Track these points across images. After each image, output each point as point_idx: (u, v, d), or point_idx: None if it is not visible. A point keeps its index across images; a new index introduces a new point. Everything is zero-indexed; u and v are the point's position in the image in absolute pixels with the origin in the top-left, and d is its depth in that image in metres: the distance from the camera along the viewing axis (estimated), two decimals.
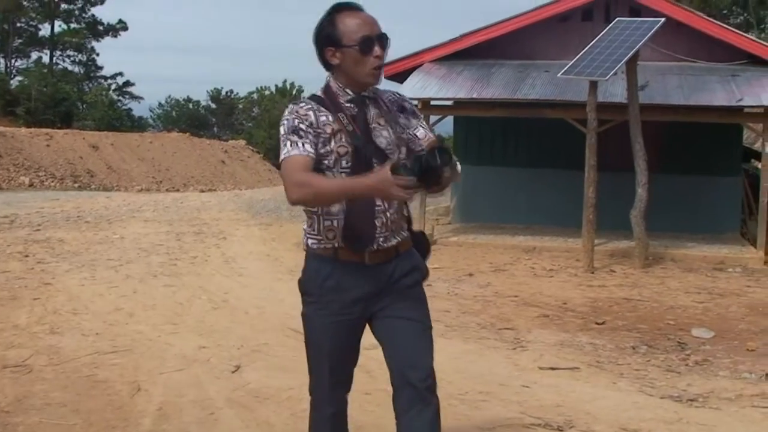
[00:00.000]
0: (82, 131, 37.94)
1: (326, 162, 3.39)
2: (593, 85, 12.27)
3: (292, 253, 12.71)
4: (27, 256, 11.75)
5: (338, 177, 3.37)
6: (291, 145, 3.35)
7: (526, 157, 16.13)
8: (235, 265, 11.70)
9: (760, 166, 14.46)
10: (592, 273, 12.02)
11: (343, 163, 3.39)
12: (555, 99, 13.52)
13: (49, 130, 34.85)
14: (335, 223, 3.45)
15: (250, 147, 48.95)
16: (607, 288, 10.98)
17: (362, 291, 3.48)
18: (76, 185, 29.74)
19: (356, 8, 3.48)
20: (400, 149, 3.53)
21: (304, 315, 3.65)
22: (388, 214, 3.46)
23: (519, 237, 14.65)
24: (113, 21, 59.72)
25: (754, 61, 14.80)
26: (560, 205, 15.22)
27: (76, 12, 58.77)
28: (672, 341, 8.12)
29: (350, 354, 3.64)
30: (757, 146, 18.47)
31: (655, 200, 13.03)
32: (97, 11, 59.39)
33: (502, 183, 16.05)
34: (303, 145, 3.34)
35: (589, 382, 6.64)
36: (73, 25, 58.68)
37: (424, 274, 3.64)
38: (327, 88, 3.53)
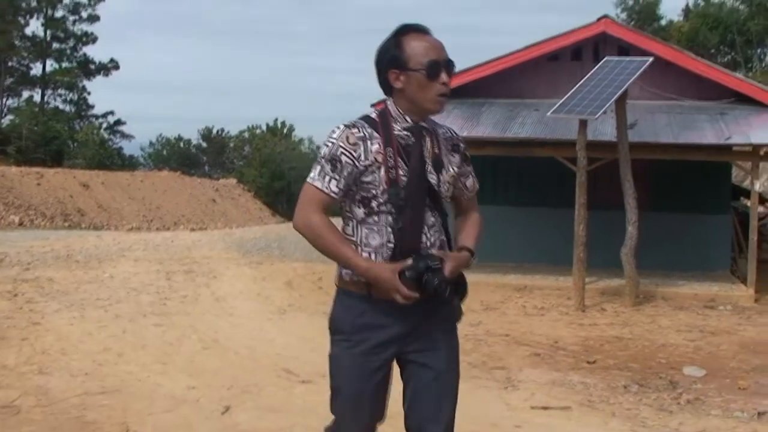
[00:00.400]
0: (72, 170, 37.94)
1: (373, 191, 3.25)
2: (583, 123, 12.34)
3: (282, 293, 12.69)
4: (16, 295, 11.67)
5: (383, 211, 3.24)
6: (320, 174, 3.24)
7: (517, 195, 16.17)
8: (226, 305, 11.65)
9: (749, 203, 14.50)
10: (583, 311, 12.01)
11: (391, 193, 3.24)
12: (545, 138, 13.58)
13: (39, 169, 34.83)
14: (374, 256, 3.26)
15: (241, 185, 48.99)
16: (598, 326, 10.97)
17: (396, 331, 3.29)
18: (67, 224, 29.65)
19: (424, 31, 3.33)
20: (449, 189, 3.41)
21: (332, 356, 3.40)
22: (434, 249, 3.31)
23: (510, 275, 14.64)
24: (105, 60, 60.00)
25: (742, 99, 14.92)
26: (551, 243, 15.24)
27: (68, 51, 58.99)
28: (663, 380, 8.09)
29: (379, 400, 3.38)
30: (746, 184, 18.57)
31: (645, 238, 13.05)
32: (88, 50, 59.67)
33: (492, 221, 15.96)
34: (330, 181, 3.23)
35: (581, 421, 6.61)
36: (64, 64, 58.87)
37: (458, 316, 3.45)
38: (384, 113, 3.35)
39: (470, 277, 3.39)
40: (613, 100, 12.17)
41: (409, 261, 3.17)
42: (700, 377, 8.22)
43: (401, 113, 3.32)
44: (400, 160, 3.26)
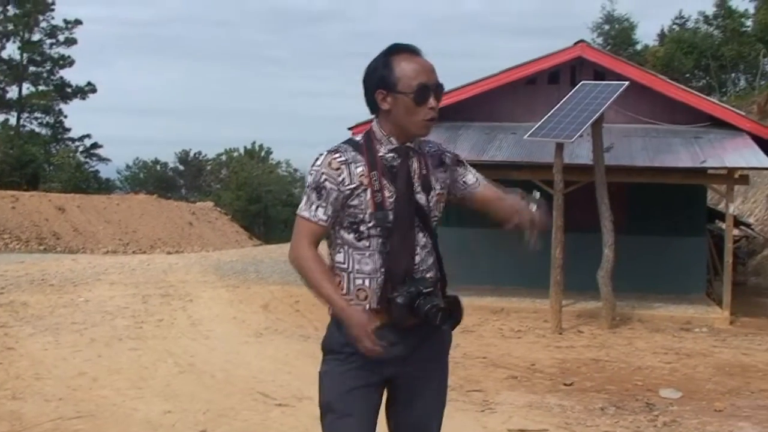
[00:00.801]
0: (48, 193, 37.73)
1: (360, 216, 3.18)
2: (559, 147, 12.39)
3: (258, 316, 12.64)
4: None
5: (372, 235, 3.18)
6: (306, 204, 3.20)
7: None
8: (202, 328, 11.59)
9: (724, 226, 14.60)
10: (560, 334, 12.03)
11: (378, 217, 3.18)
12: (522, 161, 13.64)
13: (15, 192, 34.62)
14: (367, 282, 3.20)
15: (218, 208, 48.88)
16: (575, 349, 10.98)
17: (392, 354, 3.19)
18: (42, 248, 29.47)
19: (415, 52, 3.24)
20: (439, 208, 3.34)
21: (322, 373, 3.32)
22: (425, 270, 3.27)
23: (487, 298, 14.64)
24: (82, 83, 59.82)
25: (716, 123, 15.05)
26: (528, 265, 15.15)
27: (45, 74, 58.80)
28: (640, 402, 8.11)
29: (369, 420, 3.29)
30: (720, 207, 18.68)
31: (622, 260, 13.10)
32: (65, 73, 59.52)
33: (469, 244, 16.07)
34: (317, 209, 3.18)
35: None
36: (41, 87, 58.66)
37: (450, 342, 3.47)
38: (369, 134, 3.28)
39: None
40: (589, 123, 12.24)
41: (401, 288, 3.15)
42: (676, 399, 8.23)
43: (386, 135, 3.25)
44: (386, 182, 3.19)
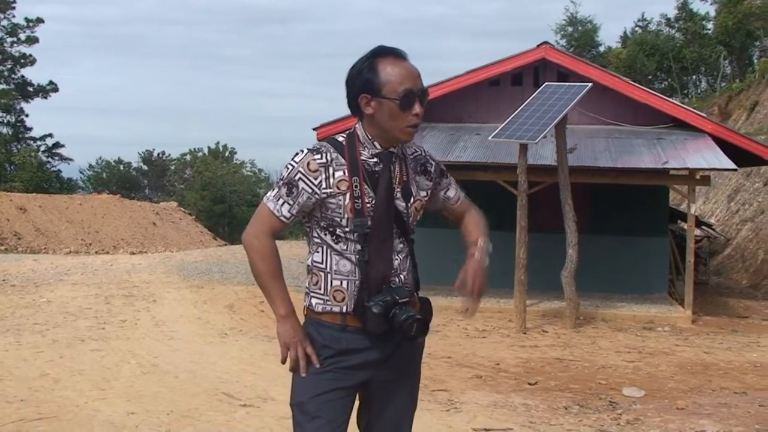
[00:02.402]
0: (9, 193, 37.31)
1: (337, 219, 3.13)
2: (523, 148, 12.46)
3: (223, 316, 12.58)
4: None
5: (350, 239, 3.14)
6: (275, 197, 3.14)
7: None
8: (166, 329, 11.51)
9: (686, 226, 14.74)
10: (525, 333, 12.09)
11: (356, 223, 3.12)
12: (486, 161, 13.69)
13: None
14: (345, 284, 3.16)
15: (182, 209, 48.62)
16: (540, 348, 11.04)
17: (368, 357, 3.18)
18: (3, 248, 29.14)
19: (401, 56, 3.15)
20: (418, 215, 3.32)
21: (295, 374, 3.25)
22: (402, 277, 3.23)
23: (452, 298, 14.66)
24: (44, 82, 59.23)
25: (678, 125, 15.20)
26: (492, 266, 15.11)
27: (5, 73, 58.14)
28: (604, 401, 8.17)
29: (341, 422, 3.23)
30: (682, 207, 18.88)
31: (585, 261, 13.19)
32: (27, 72, 58.90)
33: (434, 245, 16.09)
34: (282, 205, 3.12)
35: None
36: (2, 86, 57.98)
37: (423, 347, 3.46)
38: (352, 137, 3.21)
39: None
40: (553, 124, 12.31)
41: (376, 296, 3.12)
42: (639, 398, 8.30)
43: (370, 139, 3.18)
44: (366, 188, 3.13)
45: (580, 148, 14.03)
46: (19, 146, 57.58)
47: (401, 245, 3.24)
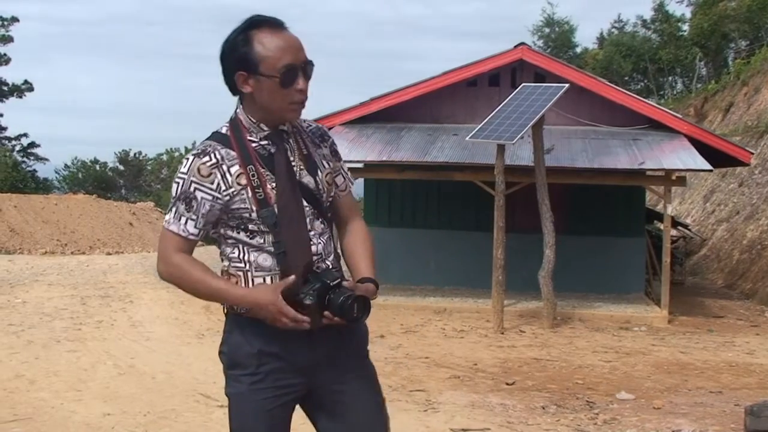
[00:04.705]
0: None
1: (246, 215, 2.81)
2: (501, 148, 12.48)
3: (200, 317, 12.54)
4: None
5: (264, 231, 2.82)
6: (174, 216, 2.83)
7: (436, 219, 16.28)
8: (142, 329, 11.46)
9: (662, 227, 14.83)
10: (502, 333, 12.11)
11: (263, 215, 2.80)
12: (463, 162, 13.71)
13: None
14: (269, 279, 2.84)
15: (159, 209, 48.32)
16: (517, 348, 11.07)
17: (309, 358, 2.87)
18: None
19: (279, 26, 2.81)
20: (330, 190, 2.99)
21: (231, 395, 2.93)
22: (328, 262, 2.92)
23: (429, 298, 14.70)
24: (19, 81, 58.74)
25: (654, 125, 15.27)
26: (470, 266, 15.36)
27: None
28: (581, 400, 8.20)
29: None
30: (659, 208, 18.98)
31: (563, 261, 13.25)
32: (1, 71, 58.38)
33: (412, 245, 16.13)
34: (186, 222, 2.82)
35: None
36: None
37: (367, 340, 3.07)
38: (235, 123, 2.89)
39: (390, 300, 3.30)
40: (530, 125, 12.34)
41: (305, 284, 2.80)
42: (621, 399, 8.33)
43: (254, 122, 2.86)
44: (266, 174, 2.83)
45: (557, 149, 14.08)
46: None
47: (321, 226, 2.94)
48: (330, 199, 3.02)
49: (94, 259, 22.27)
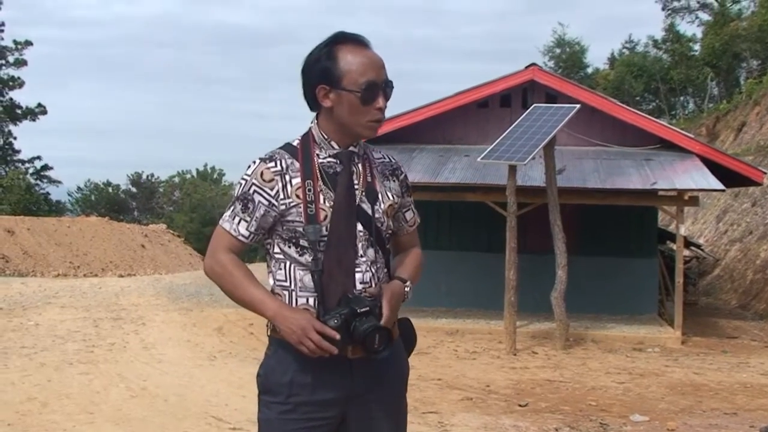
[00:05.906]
0: None
1: (299, 229, 2.79)
2: (512, 169, 12.48)
3: (212, 339, 12.53)
4: None
5: (315, 250, 2.79)
6: (231, 215, 2.84)
7: (448, 240, 16.26)
8: (155, 352, 11.46)
9: (675, 247, 14.78)
10: (515, 355, 12.07)
11: (309, 231, 2.78)
12: (475, 183, 13.71)
13: None
14: (311, 301, 2.80)
15: (171, 231, 48.46)
16: (530, 370, 11.02)
17: (343, 391, 2.82)
18: None
19: (363, 43, 2.84)
20: (388, 221, 2.95)
21: (262, 420, 2.89)
22: (364, 295, 2.84)
23: (441, 320, 14.67)
24: (32, 104, 59.10)
25: (666, 145, 15.26)
26: (482, 287, 15.33)
27: None
28: (594, 422, 8.15)
29: None
30: (671, 228, 18.91)
31: (575, 282, 13.20)
32: (15, 95, 58.76)
33: (424, 266, 16.10)
34: (239, 223, 2.82)
35: None
36: None
37: (408, 371, 3.06)
38: (306, 137, 2.89)
39: None
40: (541, 146, 12.34)
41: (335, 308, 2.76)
42: (638, 422, 8.28)
43: (326, 137, 2.87)
44: (323, 192, 2.82)
45: (569, 169, 14.07)
46: (7, 169, 57.36)
47: (375, 255, 2.90)
48: (390, 230, 3.01)
49: (106, 281, 22.31)
